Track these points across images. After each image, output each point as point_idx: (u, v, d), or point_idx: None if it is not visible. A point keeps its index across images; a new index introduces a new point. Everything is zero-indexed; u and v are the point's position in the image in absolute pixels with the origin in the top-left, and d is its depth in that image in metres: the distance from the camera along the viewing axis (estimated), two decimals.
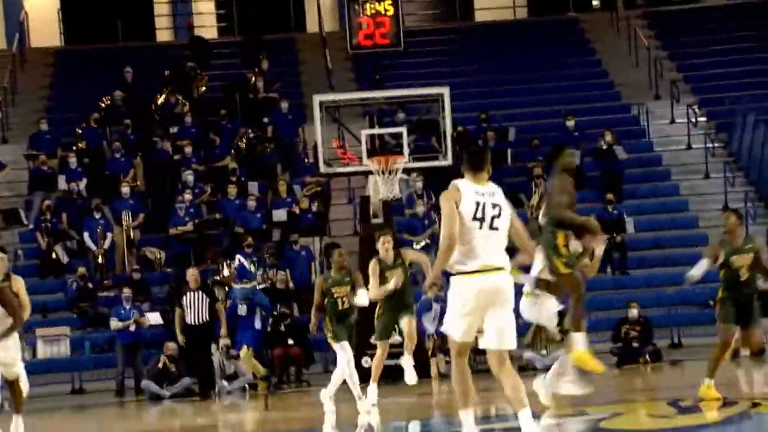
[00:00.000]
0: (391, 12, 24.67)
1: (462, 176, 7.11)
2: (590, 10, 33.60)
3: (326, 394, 13.60)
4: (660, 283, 21.69)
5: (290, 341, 20.82)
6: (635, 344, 20.06)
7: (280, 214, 24.11)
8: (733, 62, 27.99)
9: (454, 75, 28.38)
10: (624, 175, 24.52)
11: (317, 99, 22.18)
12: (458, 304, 6.92)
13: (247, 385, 19.81)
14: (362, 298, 13.21)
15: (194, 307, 19.24)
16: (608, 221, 22.56)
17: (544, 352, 17.55)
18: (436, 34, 31.95)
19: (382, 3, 24.28)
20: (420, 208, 23.53)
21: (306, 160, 25.46)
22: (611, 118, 26.85)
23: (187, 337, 19.00)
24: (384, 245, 13.13)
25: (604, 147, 23.65)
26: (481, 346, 6.99)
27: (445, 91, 21.95)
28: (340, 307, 13.55)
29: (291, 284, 22.81)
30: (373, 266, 13.15)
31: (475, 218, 6.83)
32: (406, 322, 13.06)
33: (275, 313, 21.50)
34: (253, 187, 25.00)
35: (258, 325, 20.46)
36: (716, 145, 25.10)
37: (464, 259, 6.86)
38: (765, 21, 29.27)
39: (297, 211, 24.10)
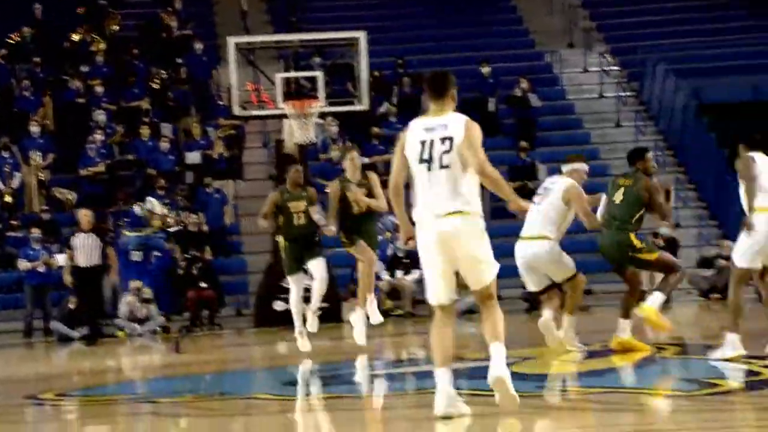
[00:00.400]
0: None
1: None
2: None
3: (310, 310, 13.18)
4: (571, 229, 21.82)
5: (203, 284, 20.70)
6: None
7: (193, 157, 24.12)
8: (645, 11, 28.13)
9: (371, 19, 28.18)
10: (537, 122, 24.72)
11: (231, 41, 22.23)
12: (422, 258, 6.65)
13: (159, 328, 19.75)
14: (320, 215, 12.78)
15: (85, 249, 19.04)
16: (521, 168, 22.86)
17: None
18: None
19: None
20: (335, 153, 23.32)
21: (220, 103, 25.29)
22: (525, 66, 26.88)
23: (77, 279, 18.83)
24: (352, 161, 12.57)
25: (519, 94, 23.80)
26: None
27: (362, 35, 21.97)
28: (295, 223, 13.11)
29: (205, 227, 22.57)
30: (335, 187, 12.51)
31: (421, 160, 6.49)
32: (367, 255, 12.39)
33: (188, 255, 21.32)
34: (166, 128, 24.78)
35: (154, 268, 20.40)
36: (627, 94, 25.48)
37: (418, 207, 6.54)
38: None
39: (211, 154, 24.03)
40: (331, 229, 12.59)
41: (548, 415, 7.40)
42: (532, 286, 10.93)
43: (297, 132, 21.29)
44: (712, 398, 8.00)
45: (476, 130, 6.48)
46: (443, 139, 6.39)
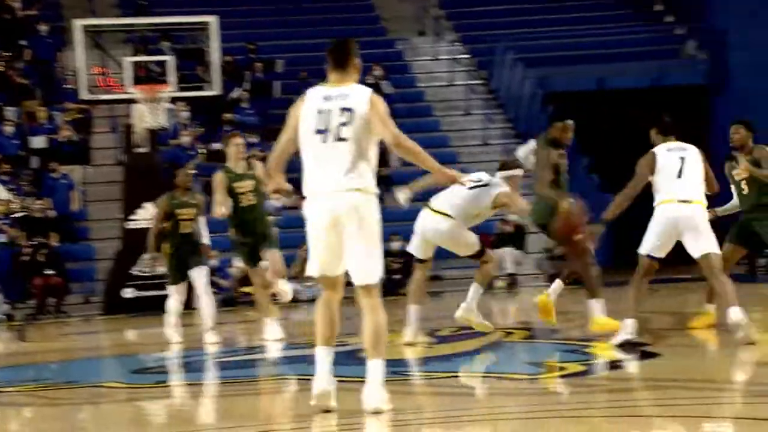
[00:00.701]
0: None
1: None
2: None
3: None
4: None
5: (49, 271, 20.42)
6: (397, 276, 20.53)
7: (38, 141, 23.60)
8: (495, 0, 28.58)
9: (222, 3, 27.70)
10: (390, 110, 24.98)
11: (78, 23, 21.95)
12: (309, 233, 6.13)
13: (3, 316, 19.41)
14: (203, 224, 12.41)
15: None
16: None
17: (308, 284, 17.74)
18: None
19: None
20: (185, 138, 23.46)
21: (66, 86, 24.80)
22: (378, 53, 27.14)
23: None
24: (236, 146, 11.80)
25: (372, 81, 24.04)
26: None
27: (213, 19, 21.93)
28: (181, 231, 12.72)
29: (51, 213, 22.07)
30: (219, 177, 11.71)
31: (317, 131, 6.02)
32: (270, 256, 11.75)
33: (33, 242, 20.87)
34: (9, 112, 24.13)
35: None
36: (477, 82, 26.11)
37: (309, 183, 6.06)
38: None
39: (57, 138, 23.58)
40: (222, 210, 11.50)
41: (391, 401, 7.08)
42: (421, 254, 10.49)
43: (147, 117, 21.48)
44: (556, 381, 8.23)
45: (382, 103, 6.09)
46: (343, 110, 5.95)
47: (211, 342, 12.23)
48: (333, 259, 6.08)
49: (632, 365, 8.82)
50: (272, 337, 11.53)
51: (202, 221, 12.57)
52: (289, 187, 6.66)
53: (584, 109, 20.23)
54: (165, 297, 18.58)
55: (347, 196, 5.93)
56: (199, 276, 12.50)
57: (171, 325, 12.92)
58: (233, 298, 19.68)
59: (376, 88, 24.05)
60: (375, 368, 5.95)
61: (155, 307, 17.73)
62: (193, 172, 22.19)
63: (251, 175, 11.24)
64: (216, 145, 23.76)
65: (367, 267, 6.02)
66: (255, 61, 26.94)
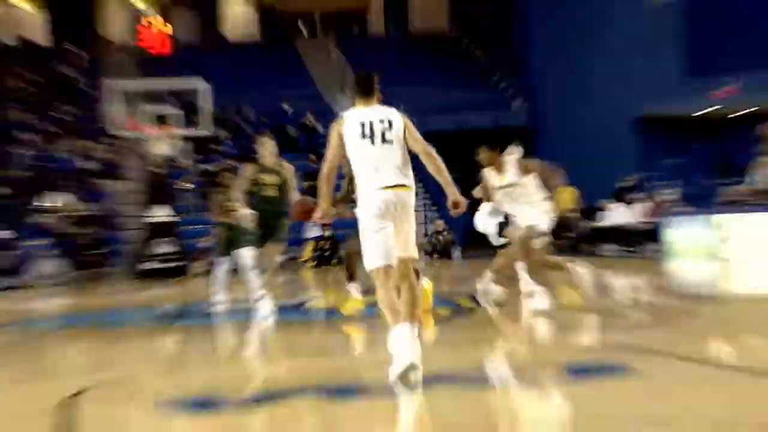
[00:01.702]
0: None
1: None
2: None
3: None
4: None
5: (95, 250, 20.03)
6: (327, 253, 20.44)
7: (89, 164, 23.43)
8: (387, 69, 27.76)
9: (212, 72, 26.12)
10: (320, 144, 23.99)
11: (114, 83, 21.85)
12: (365, 229, 5.20)
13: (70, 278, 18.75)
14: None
15: None
16: (311, 173, 22.46)
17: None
18: None
19: None
20: (185, 162, 23.26)
21: (105, 126, 23.73)
22: (313, 105, 26.72)
23: None
24: (265, 145, 9.67)
25: (308, 123, 24.05)
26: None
27: (205, 85, 21.95)
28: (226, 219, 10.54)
29: (97, 211, 21.81)
30: (248, 168, 9.82)
31: (363, 136, 5.14)
32: (270, 248, 9.67)
33: (88, 231, 20.46)
34: (69, 144, 23.89)
35: None
36: None
37: (363, 180, 5.20)
38: None
39: (102, 162, 23.19)
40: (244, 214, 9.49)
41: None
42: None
43: (159, 148, 21.77)
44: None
45: (409, 120, 5.28)
46: (381, 120, 5.15)
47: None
48: (391, 247, 5.15)
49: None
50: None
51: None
52: (333, 212, 5.63)
53: (448, 145, 20.79)
54: (170, 270, 19.48)
55: (399, 191, 5.14)
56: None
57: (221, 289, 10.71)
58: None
59: (311, 129, 25.23)
60: (407, 332, 4.90)
61: (163, 276, 18.98)
62: (192, 186, 22.96)
63: (277, 172, 9.44)
64: (205, 167, 24.04)
65: (412, 245, 5.26)
66: (234, 111, 26.30)
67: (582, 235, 20.59)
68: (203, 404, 5.03)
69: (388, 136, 5.07)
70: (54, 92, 27.18)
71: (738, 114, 22.91)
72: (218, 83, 25.31)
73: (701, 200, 17.34)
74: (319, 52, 31.61)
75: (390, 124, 5.09)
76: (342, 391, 5.09)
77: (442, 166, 5.17)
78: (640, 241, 18.71)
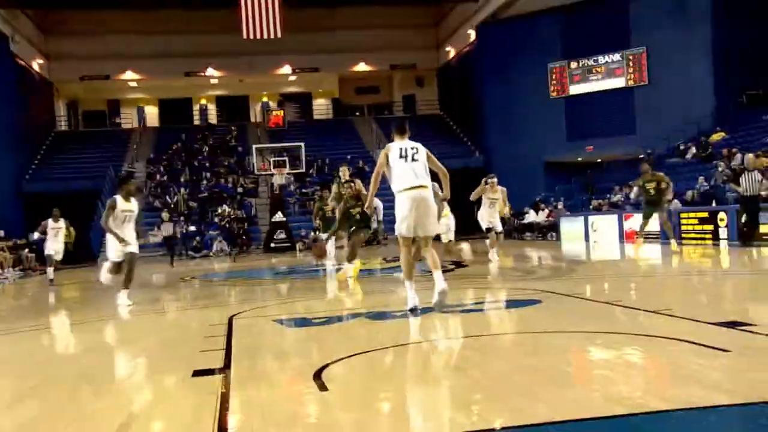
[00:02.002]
0: None
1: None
2: None
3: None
4: None
5: (244, 237, 23.23)
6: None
7: (239, 189, 26.39)
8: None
9: (306, 136, 29.26)
10: None
11: (254, 146, 25.35)
12: (399, 212, 5.68)
13: (229, 253, 21.15)
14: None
15: None
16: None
17: None
18: None
19: None
20: (292, 187, 25.50)
21: (249, 166, 27.21)
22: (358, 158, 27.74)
23: None
24: (343, 171, 10.43)
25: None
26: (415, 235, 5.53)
27: (302, 144, 25.58)
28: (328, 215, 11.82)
29: (244, 215, 24.81)
30: (334, 186, 10.65)
31: (401, 156, 5.67)
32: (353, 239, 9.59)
33: (240, 226, 23.48)
34: (230, 180, 26.71)
35: None
36: None
37: (399, 183, 5.67)
38: None
39: (246, 187, 25.63)
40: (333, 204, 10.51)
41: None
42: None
43: (278, 179, 25.62)
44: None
45: (428, 150, 5.84)
46: (411, 148, 5.71)
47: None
48: (414, 227, 5.63)
49: None
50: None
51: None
52: (374, 204, 6.43)
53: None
54: (284, 247, 20.94)
55: (421, 190, 5.65)
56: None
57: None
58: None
59: (362, 167, 25.65)
60: (438, 274, 5.58)
61: (281, 251, 21.13)
62: (296, 200, 24.93)
63: (349, 186, 9.62)
64: (303, 190, 26.47)
65: (431, 225, 5.72)
66: (318, 159, 28.68)
67: (514, 227, 22.97)
68: (301, 321, 5.84)
69: (416, 157, 5.68)
70: (223, 150, 31.15)
71: (595, 161, 27.13)
72: (309, 144, 28.46)
73: (577, 208, 21.79)
74: (365, 125, 33.34)
75: (417, 150, 5.71)
76: (377, 315, 5.77)
77: (447, 178, 5.98)
78: (546, 232, 21.22)
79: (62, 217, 13.19)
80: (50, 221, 12.83)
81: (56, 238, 12.69)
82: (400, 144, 5.80)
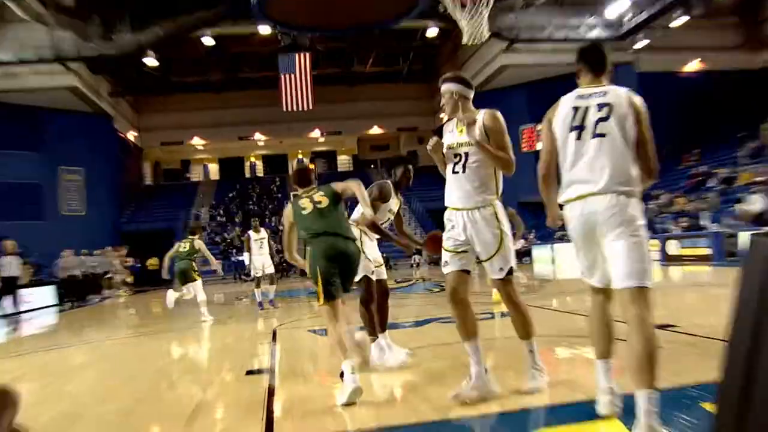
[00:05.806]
0: None
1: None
2: None
3: None
4: None
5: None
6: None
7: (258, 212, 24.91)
8: None
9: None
10: None
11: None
12: (571, 240, 2.66)
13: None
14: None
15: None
16: None
17: None
18: None
19: None
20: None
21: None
22: None
23: None
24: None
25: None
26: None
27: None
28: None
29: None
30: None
31: (571, 128, 2.59)
32: None
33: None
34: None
35: None
36: None
37: (564, 185, 2.66)
38: None
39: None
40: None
41: None
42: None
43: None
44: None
45: (644, 107, 2.50)
46: (600, 105, 2.51)
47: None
48: (592, 267, 2.60)
49: None
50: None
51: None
52: (558, 215, 2.87)
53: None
54: None
55: (601, 200, 2.47)
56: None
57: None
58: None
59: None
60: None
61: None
62: None
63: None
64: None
65: (630, 267, 2.43)
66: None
67: None
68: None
69: (600, 128, 2.25)
70: (268, 197, 30.14)
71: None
72: None
73: (546, 238, 20.80)
74: (378, 176, 29.25)
75: (610, 110, 2.40)
76: (391, 325, 4.45)
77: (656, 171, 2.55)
78: (522, 257, 19.67)
79: (261, 226, 9.56)
80: (251, 233, 9.08)
81: (261, 249, 8.98)
82: (576, 96, 2.72)
